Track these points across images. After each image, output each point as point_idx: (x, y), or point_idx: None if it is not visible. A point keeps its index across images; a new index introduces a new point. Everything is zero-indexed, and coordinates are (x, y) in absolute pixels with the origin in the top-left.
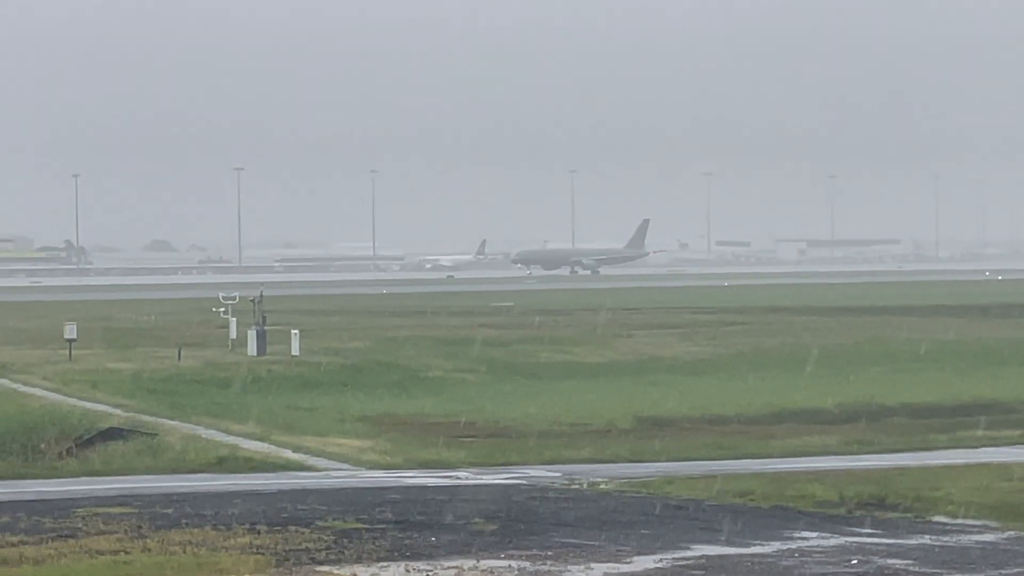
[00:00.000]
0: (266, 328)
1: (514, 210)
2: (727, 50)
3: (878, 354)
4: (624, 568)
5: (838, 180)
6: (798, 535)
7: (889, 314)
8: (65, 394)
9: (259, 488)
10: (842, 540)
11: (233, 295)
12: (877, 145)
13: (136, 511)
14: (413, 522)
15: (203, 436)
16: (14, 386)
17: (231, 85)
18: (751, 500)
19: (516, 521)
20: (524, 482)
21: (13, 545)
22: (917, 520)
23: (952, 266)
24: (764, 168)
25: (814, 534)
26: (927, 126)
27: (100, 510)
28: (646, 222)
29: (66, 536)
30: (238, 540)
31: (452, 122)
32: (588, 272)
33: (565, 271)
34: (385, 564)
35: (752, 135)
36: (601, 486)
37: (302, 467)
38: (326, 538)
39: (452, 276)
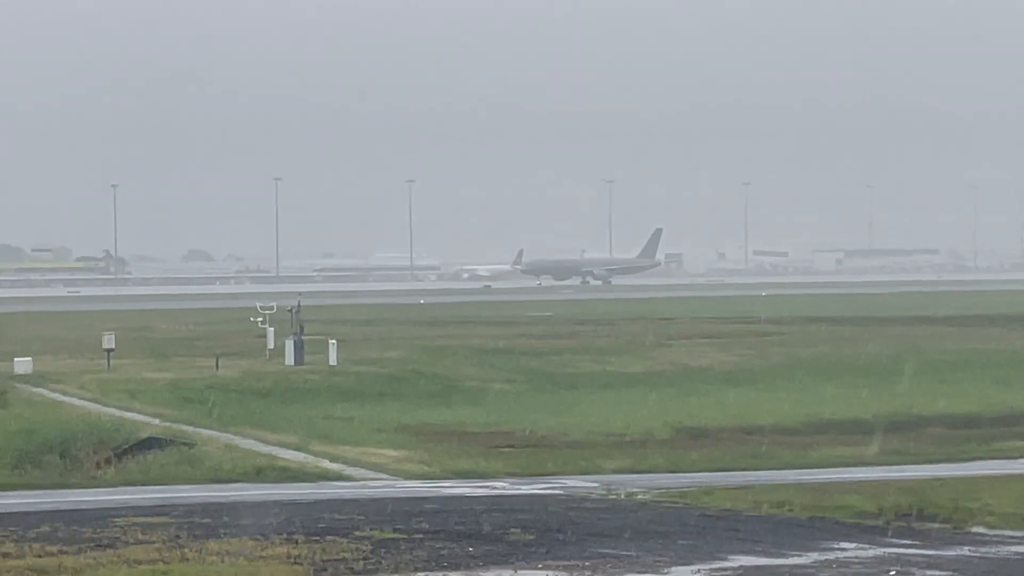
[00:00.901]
0: (304, 338)
1: (552, 220)
2: (765, 59)
3: (916, 364)
4: None
5: (876, 189)
6: (836, 546)
7: (927, 324)
8: (103, 404)
9: (297, 498)
10: (880, 551)
11: (271, 305)
12: (915, 154)
13: (174, 521)
14: (450, 532)
15: (241, 446)
16: (53, 396)
17: (270, 95)
18: (789, 511)
19: (553, 531)
20: (561, 492)
21: (52, 555)
22: (956, 531)
23: (990, 276)
24: (802, 178)
25: (852, 545)
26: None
27: (138, 520)
28: (659, 231)
29: (104, 546)
30: (276, 550)
31: (490, 131)
32: (599, 282)
33: (576, 281)
34: (422, 574)
35: (789, 145)
36: (638, 496)
37: (340, 477)
38: (363, 548)
39: (489, 286)
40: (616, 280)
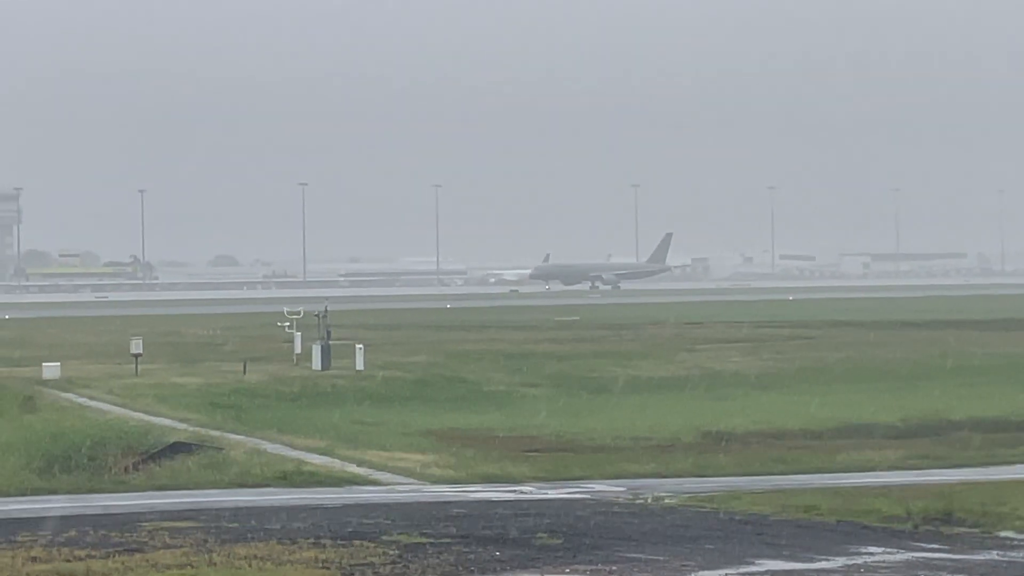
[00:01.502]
0: (331, 342)
1: (578, 224)
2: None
3: (943, 368)
4: None
5: (902, 193)
6: (864, 550)
7: (954, 328)
8: (131, 409)
9: (324, 502)
10: (908, 555)
11: (298, 310)
12: (943, 158)
13: (202, 525)
14: (478, 536)
15: (268, 450)
16: (81, 400)
17: (296, 100)
18: (816, 515)
19: (580, 535)
20: (588, 496)
21: (80, 559)
22: (984, 535)
23: (1018, 280)
24: (828, 182)
25: (880, 549)
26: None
27: (166, 524)
28: (668, 236)
29: (132, 550)
30: (303, 554)
31: (515, 135)
32: (609, 287)
33: (585, 286)
34: None
35: (815, 148)
36: (666, 501)
37: (367, 481)
38: (391, 552)
39: (516, 290)
40: (626, 285)
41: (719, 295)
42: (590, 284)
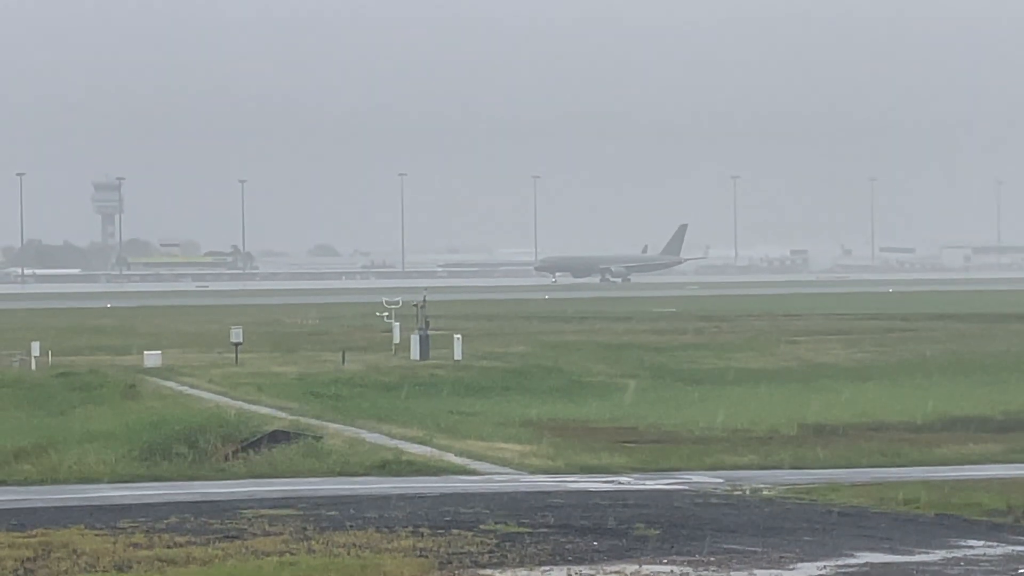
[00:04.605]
0: (429, 333)
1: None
2: (883, 52)
3: None
4: (787, 574)
5: (1005, 185)
6: (964, 543)
7: None
8: (231, 397)
9: (422, 491)
10: (1008, 549)
11: (396, 300)
12: None
13: (301, 513)
14: (575, 527)
15: (367, 439)
16: (181, 389)
17: (395, 91)
18: (916, 508)
19: (678, 526)
20: (686, 488)
21: (180, 546)
22: None
23: None
24: (929, 173)
25: (980, 543)
26: None
27: (265, 512)
28: (683, 227)
29: (232, 537)
30: (401, 543)
31: (613, 128)
32: (618, 280)
33: (595, 279)
34: (548, 568)
35: (917, 139)
36: (764, 492)
37: (465, 471)
38: (489, 542)
39: (616, 281)
40: (636, 278)
41: (818, 287)
42: (600, 276)
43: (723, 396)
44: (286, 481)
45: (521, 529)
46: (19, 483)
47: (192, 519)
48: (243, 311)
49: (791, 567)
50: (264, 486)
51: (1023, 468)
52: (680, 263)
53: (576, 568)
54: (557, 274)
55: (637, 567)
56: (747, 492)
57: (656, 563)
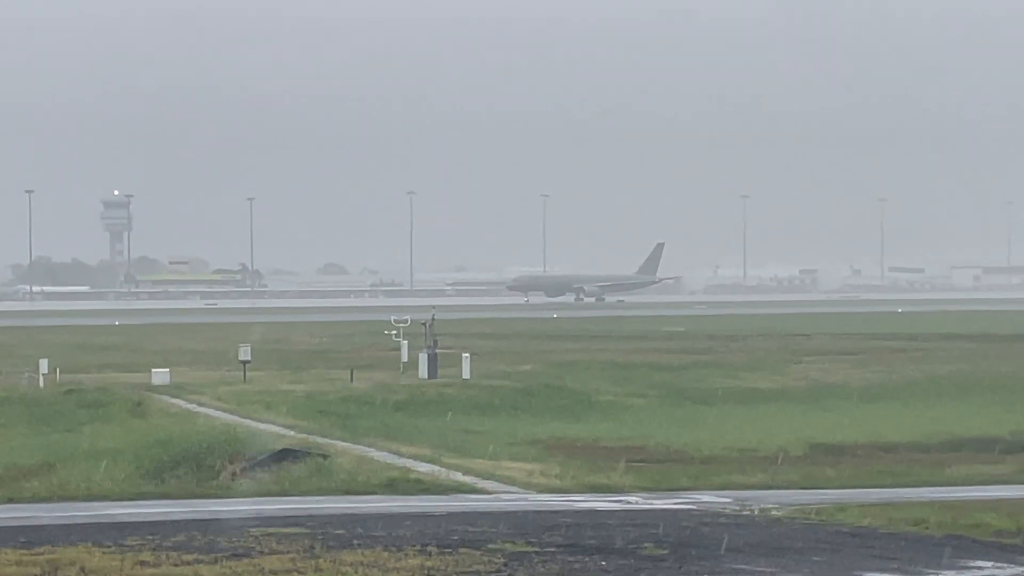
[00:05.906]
0: (437, 351)
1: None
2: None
3: None
4: None
5: (1015, 206)
6: (973, 564)
7: None
8: (239, 415)
9: (430, 510)
10: (1018, 570)
11: (405, 318)
12: None
13: (308, 531)
14: (583, 546)
15: (374, 458)
16: (189, 406)
17: (404, 110)
18: (925, 529)
19: (686, 546)
20: (695, 507)
21: (188, 563)
22: None
23: None
24: (939, 193)
25: (989, 563)
26: None
27: (273, 530)
28: (660, 246)
29: (240, 555)
30: (409, 561)
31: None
32: (592, 299)
33: (570, 298)
34: None
35: (925, 160)
36: (772, 512)
37: (472, 490)
38: (496, 561)
39: (622, 300)
40: (611, 297)
41: (827, 307)
42: (575, 296)
43: (732, 416)
44: (294, 499)
45: (529, 548)
46: (27, 500)
47: (200, 537)
48: (252, 329)
49: None
50: (272, 504)
51: None
52: (656, 283)
53: None
54: (530, 293)
55: None
56: (756, 512)
57: None
